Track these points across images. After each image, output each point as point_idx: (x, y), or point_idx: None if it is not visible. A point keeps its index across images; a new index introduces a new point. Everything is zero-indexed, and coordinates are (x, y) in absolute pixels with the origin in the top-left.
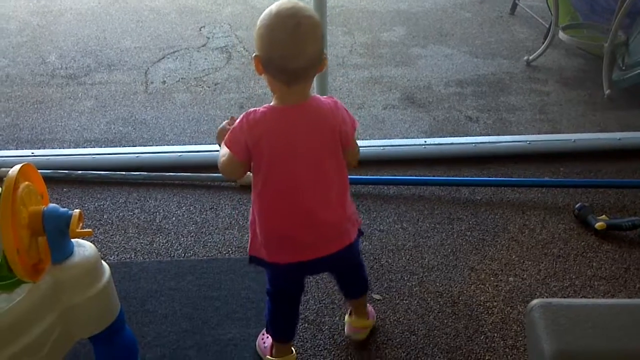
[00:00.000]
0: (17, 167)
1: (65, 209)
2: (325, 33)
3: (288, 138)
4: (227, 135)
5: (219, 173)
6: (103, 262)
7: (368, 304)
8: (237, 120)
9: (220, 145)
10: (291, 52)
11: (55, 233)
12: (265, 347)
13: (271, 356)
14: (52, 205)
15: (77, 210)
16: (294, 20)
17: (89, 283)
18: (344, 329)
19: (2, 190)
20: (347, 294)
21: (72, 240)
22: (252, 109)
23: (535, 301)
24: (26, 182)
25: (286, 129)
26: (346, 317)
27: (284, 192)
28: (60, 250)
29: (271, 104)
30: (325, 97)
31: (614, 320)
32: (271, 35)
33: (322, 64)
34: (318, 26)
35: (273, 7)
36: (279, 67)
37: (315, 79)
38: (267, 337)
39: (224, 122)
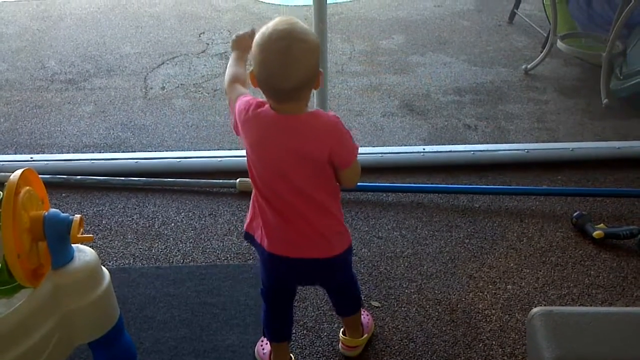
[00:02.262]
0: (18, 172)
1: (66, 214)
2: (325, 41)
3: (264, 143)
4: (237, 104)
5: (218, 179)
6: (103, 267)
7: (366, 313)
8: (247, 102)
9: (233, 50)
10: (279, 74)
11: (56, 238)
12: (264, 353)
13: None
14: (53, 210)
15: (78, 216)
16: (284, 43)
17: (89, 288)
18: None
19: (3, 195)
20: (339, 312)
21: (73, 245)
22: (259, 101)
23: (535, 309)
24: (27, 187)
25: (274, 134)
26: (340, 333)
27: (266, 192)
28: (61, 255)
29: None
30: (329, 114)
31: (614, 329)
32: (262, 55)
33: (316, 82)
34: (310, 50)
35: (269, 27)
36: (268, 86)
37: None
38: (266, 344)
39: (244, 31)
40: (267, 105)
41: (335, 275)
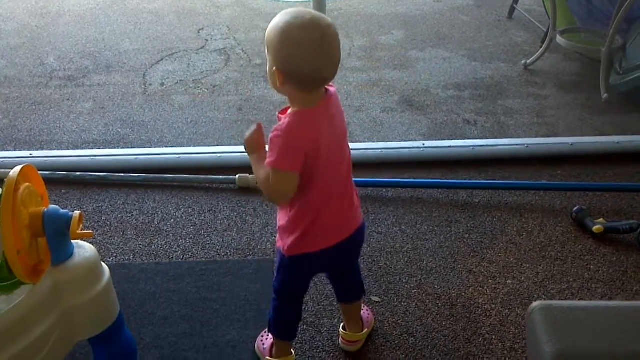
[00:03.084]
0: (17, 169)
1: (66, 210)
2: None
3: (326, 138)
4: (274, 158)
5: (218, 175)
6: (103, 263)
7: (366, 308)
8: (275, 137)
9: (250, 154)
10: (322, 63)
11: (56, 234)
12: (264, 348)
13: (270, 357)
14: (52, 206)
15: (78, 212)
16: (318, 31)
17: (88, 284)
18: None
19: (3, 192)
20: (344, 297)
21: (72, 241)
22: (282, 123)
23: (535, 303)
24: (27, 184)
25: (321, 130)
26: (340, 329)
27: (332, 187)
28: (61, 251)
29: (293, 109)
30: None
31: (614, 322)
32: (300, 49)
33: None
34: (337, 32)
35: (291, 19)
36: (309, 78)
37: None
38: (267, 338)
39: (250, 131)
40: (289, 111)
41: (363, 240)
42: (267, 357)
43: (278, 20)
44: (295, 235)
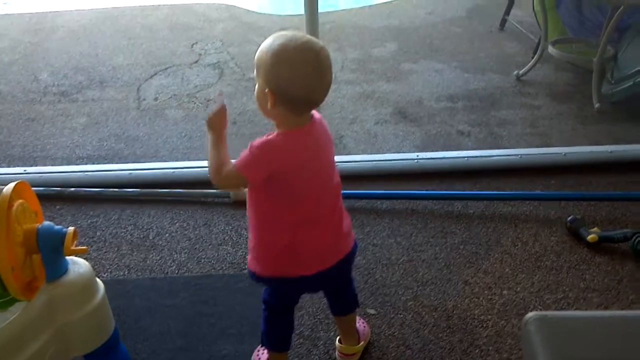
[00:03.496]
0: (11, 185)
1: (60, 226)
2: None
3: (310, 161)
4: (242, 164)
5: (213, 189)
6: (97, 279)
7: (362, 320)
8: (253, 146)
9: (210, 132)
10: (316, 85)
11: (50, 251)
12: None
13: None
14: (46, 222)
15: (72, 228)
16: (313, 53)
17: (83, 300)
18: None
19: None
20: (338, 310)
21: (67, 257)
22: (264, 139)
23: (530, 314)
24: (20, 200)
25: (306, 152)
26: (336, 342)
27: (313, 211)
28: (55, 268)
29: (278, 131)
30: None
31: (609, 332)
32: (294, 71)
33: None
34: (329, 55)
35: (285, 41)
36: (301, 101)
37: None
38: (262, 353)
39: (214, 110)
40: (274, 134)
41: (352, 263)
42: None
43: (271, 42)
44: (269, 257)
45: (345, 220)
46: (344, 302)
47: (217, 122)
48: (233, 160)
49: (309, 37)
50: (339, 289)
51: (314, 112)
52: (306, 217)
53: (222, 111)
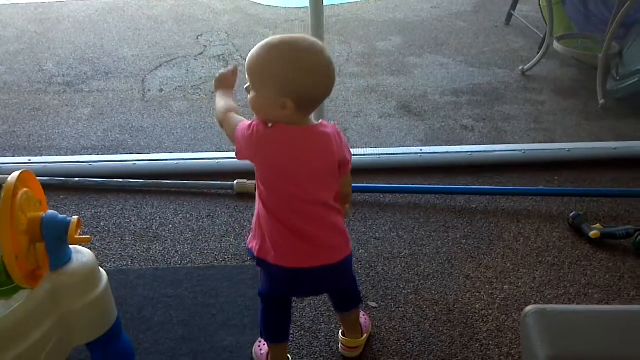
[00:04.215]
0: (16, 174)
1: (64, 215)
2: (322, 42)
3: (295, 159)
4: (240, 131)
5: (216, 181)
6: (100, 268)
7: (363, 314)
8: (248, 126)
9: (216, 91)
10: (328, 84)
11: (54, 239)
12: (261, 353)
13: None
14: (50, 211)
15: (76, 217)
16: (323, 54)
17: (86, 290)
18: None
19: (1, 197)
20: (340, 309)
21: (70, 246)
22: (259, 122)
23: (529, 307)
24: (25, 189)
25: (294, 149)
26: (339, 335)
27: (283, 211)
28: (58, 256)
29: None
30: (329, 124)
31: (608, 327)
32: (316, 76)
33: None
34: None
35: (294, 44)
36: (317, 101)
37: None
38: (264, 344)
39: (226, 69)
40: (272, 124)
41: (343, 278)
42: None
43: (274, 51)
44: (258, 235)
45: (333, 237)
46: (345, 301)
47: (227, 79)
48: (241, 119)
49: (304, 36)
50: (340, 291)
51: (326, 123)
52: (277, 215)
53: (232, 71)
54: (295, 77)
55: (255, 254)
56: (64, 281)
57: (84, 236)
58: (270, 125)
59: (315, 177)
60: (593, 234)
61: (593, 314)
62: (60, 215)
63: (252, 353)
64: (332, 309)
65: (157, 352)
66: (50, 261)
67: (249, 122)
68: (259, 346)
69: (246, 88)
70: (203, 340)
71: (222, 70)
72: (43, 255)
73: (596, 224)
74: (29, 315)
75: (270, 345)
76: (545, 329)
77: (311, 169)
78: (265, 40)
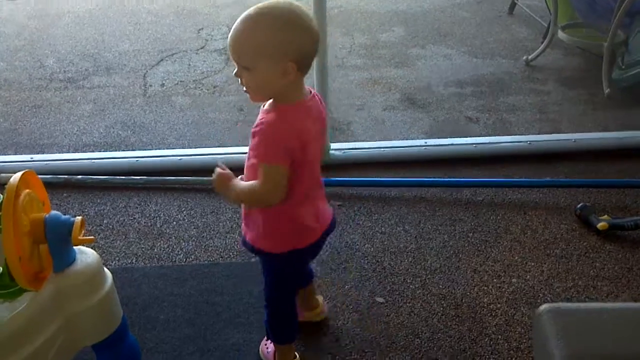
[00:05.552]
0: (18, 175)
1: (67, 216)
2: (325, 35)
3: (316, 130)
4: (262, 152)
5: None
6: (105, 269)
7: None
8: (260, 131)
9: (224, 191)
10: (318, 39)
11: (57, 241)
12: (268, 352)
13: None
14: (53, 212)
15: (79, 218)
16: (303, 12)
17: (91, 291)
18: (347, 333)
19: (3, 199)
20: (305, 283)
21: (74, 247)
22: (266, 117)
23: (544, 306)
24: (27, 190)
25: (309, 122)
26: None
27: (317, 178)
28: (62, 258)
29: (279, 106)
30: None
31: (623, 325)
32: (308, 33)
33: None
34: None
35: (278, 9)
36: (312, 58)
37: (315, 80)
38: (271, 343)
39: (216, 170)
40: (268, 106)
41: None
42: None
43: (263, 19)
44: (283, 231)
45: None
46: (307, 273)
47: (225, 179)
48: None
49: (277, 0)
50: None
51: (309, 87)
52: (311, 185)
53: (222, 174)
54: (294, 38)
55: (287, 251)
56: (68, 283)
57: (87, 237)
58: (277, 112)
59: (321, 139)
60: (601, 225)
61: (608, 312)
62: (63, 216)
63: (259, 352)
64: (339, 305)
65: (163, 351)
66: (54, 263)
67: (258, 146)
68: (266, 345)
69: (236, 74)
70: (209, 338)
71: (216, 173)
72: (47, 256)
73: (604, 215)
74: (34, 317)
75: (284, 345)
76: (560, 328)
77: (322, 131)
78: (245, 16)
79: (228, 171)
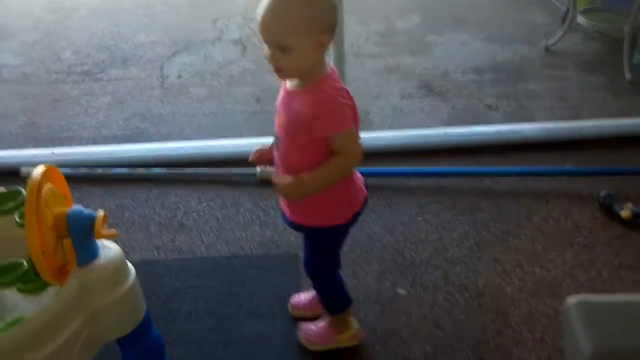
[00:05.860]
0: (40, 170)
1: (90, 210)
2: (340, 23)
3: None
4: (341, 120)
5: (238, 167)
6: (128, 262)
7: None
8: (339, 100)
9: (298, 192)
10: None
11: (81, 235)
12: (316, 330)
13: (341, 334)
14: (76, 206)
15: (102, 211)
16: None
17: (115, 285)
18: (369, 325)
19: (26, 193)
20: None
21: (97, 241)
22: (327, 90)
23: (572, 298)
24: (49, 184)
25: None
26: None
27: None
28: (86, 252)
29: (321, 76)
30: None
31: None
32: (330, 2)
33: None
34: None
35: None
36: (336, 26)
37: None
38: (315, 325)
39: (276, 180)
40: (318, 79)
41: None
42: (340, 336)
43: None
44: (344, 201)
45: None
46: None
47: (290, 187)
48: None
49: None
50: None
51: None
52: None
53: (283, 179)
54: (323, 11)
55: (343, 219)
56: (92, 277)
57: (110, 231)
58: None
59: None
60: (625, 213)
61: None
62: (86, 210)
63: (302, 340)
64: (361, 299)
65: (186, 343)
66: (77, 257)
67: (335, 113)
68: (312, 328)
69: (269, 56)
70: (232, 329)
71: (278, 181)
72: (70, 251)
73: (627, 203)
74: (60, 312)
75: (345, 311)
76: (590, 322)
77: None
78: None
79: (283, 176)
